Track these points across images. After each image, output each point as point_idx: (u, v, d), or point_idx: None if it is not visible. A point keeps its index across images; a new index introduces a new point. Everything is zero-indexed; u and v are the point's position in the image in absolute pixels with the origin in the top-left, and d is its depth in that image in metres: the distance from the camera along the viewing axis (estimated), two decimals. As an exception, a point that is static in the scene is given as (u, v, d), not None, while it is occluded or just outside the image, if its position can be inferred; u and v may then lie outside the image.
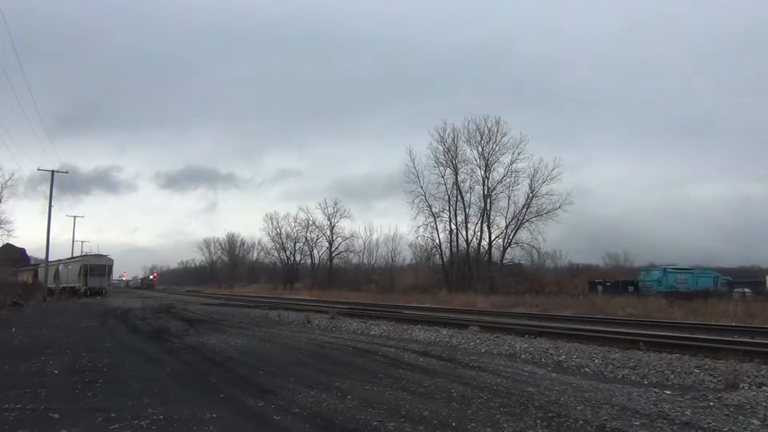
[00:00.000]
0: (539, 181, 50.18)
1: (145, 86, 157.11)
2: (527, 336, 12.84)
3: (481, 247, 53.51)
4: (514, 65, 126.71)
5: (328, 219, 76.72)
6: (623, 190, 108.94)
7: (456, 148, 53.78)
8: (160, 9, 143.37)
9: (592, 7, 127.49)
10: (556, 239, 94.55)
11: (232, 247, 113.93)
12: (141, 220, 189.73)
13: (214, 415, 5.30)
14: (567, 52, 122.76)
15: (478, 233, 53.33)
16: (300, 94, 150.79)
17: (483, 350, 10.88)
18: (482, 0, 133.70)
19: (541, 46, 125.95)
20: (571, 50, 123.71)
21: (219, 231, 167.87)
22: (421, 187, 54.67)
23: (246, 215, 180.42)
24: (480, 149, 52.98)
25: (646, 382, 7.71)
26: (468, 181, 53.97)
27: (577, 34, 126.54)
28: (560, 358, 9.68)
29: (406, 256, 70.89)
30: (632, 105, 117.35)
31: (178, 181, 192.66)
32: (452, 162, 53.85)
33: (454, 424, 5.02)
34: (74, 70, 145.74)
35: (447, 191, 54.24)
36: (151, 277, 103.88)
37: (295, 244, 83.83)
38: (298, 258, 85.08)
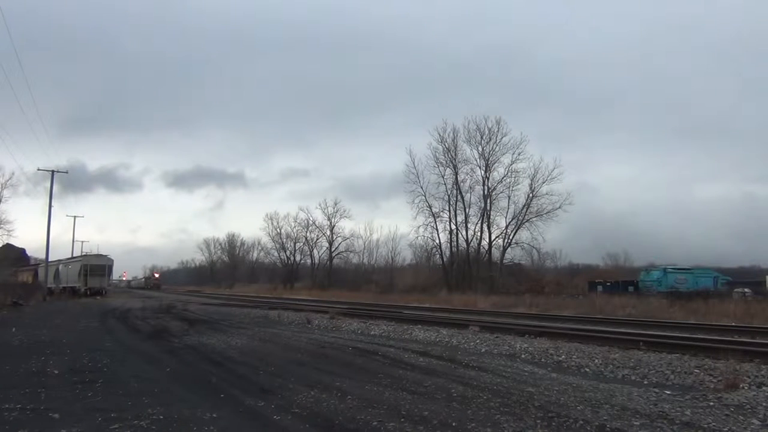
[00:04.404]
0: (539, 181, 50.22)
1: (155, 87, 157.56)
2: (527, 336, 12.83)
3: (481, 247, 53.55)
4: (520, 67, 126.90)
5: (328, 219, 76.73)
6: (627, 190, 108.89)
7: (456, 148, 53.84)
8: (170, 10, 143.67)
9: (599, 10, 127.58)
10: (557, 239, 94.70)
11: (233, 247, 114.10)
12: (144, 221, 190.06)
13: (214, 415, 5.30)
14: (574, 54, 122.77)
15: (478, 233, 53.39)
16: (308, 95, 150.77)
17: (483, 350, 10.88)
18: (490, 3, 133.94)
19: (548, 48, 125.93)
20: (578, 52, 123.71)
21: (224, 231, 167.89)
22: (421, 187, 54.69)
23: (252, 215, 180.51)
24: (480, 149, 53.04)
25: (646, 382, 7.71)
26: (468, 181, 54.01)
27: (585, 36, 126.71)
28: (560, 358, 9.68)
29: (406, 256, 70.91)
30: (637, 106, 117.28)
31: (185, 181, 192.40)
32: (452, 162, 53.89)
33: (454, 424, 5.02)
34: (84, 70, 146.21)
35: (447, 191, 54.29)
36: (157, 276, 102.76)
37: (295, 244, 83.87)
38: (298, 258, 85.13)
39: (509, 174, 51.89)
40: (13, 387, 6.68)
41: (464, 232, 54.02)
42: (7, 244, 55.12)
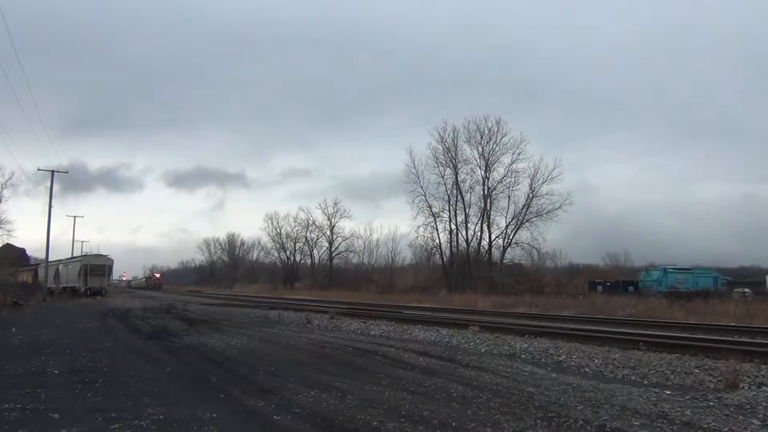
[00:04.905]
0: (539, 181, 50.25)
1: (156, 87, 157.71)
2: (527, 336, 12.83)
3: (481, 247, 53.55)
4: (520, 67, 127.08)
5: (328, 219, 76.81)
6: (627, 190, 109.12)
7: (456, 148, 53.87)
8: (170, 11, 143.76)
9: (599, 10, 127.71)
10: (557, 239, 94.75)
11: (233, 247, 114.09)
12: (145, 221, 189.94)
13: (214, 415, 5.30)
14: (574, 54, 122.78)
15: (478, 233, 53.41)
16: (309, 95, 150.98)
17: (483, 350, 10.88)
18: (490, 3, 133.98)
19: (548, 48, 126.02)
20: (578, 52, 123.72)
21: (224, 231, 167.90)
22: (421, 187, 54.73)
23: (253, 215, 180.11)
24: (480, 149, 53.07)
25: (646, 382, 7.71)
26: (468, 181, 54.03)
27: (585, 36, 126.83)
28: (560, 358, 9.68)
29: (406, 256, 70.93)
30: (638, 106, 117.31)
31: (185, 181, 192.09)
32: (452, 162, 53.92)
33: (454, 424, 5.02)
34: (85, 70, 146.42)
35: (447, 191, 54.31)
36: (158, 276, 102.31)
37: (295, 244, 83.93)
38: (298, 258, 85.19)
39: (509, 174, 52.02)
40: (13, 387, 6.68)
41: (464, 232, 54.12)
42: (7, 244, 55.12)
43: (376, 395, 6.25)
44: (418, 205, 54.56)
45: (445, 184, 54.14)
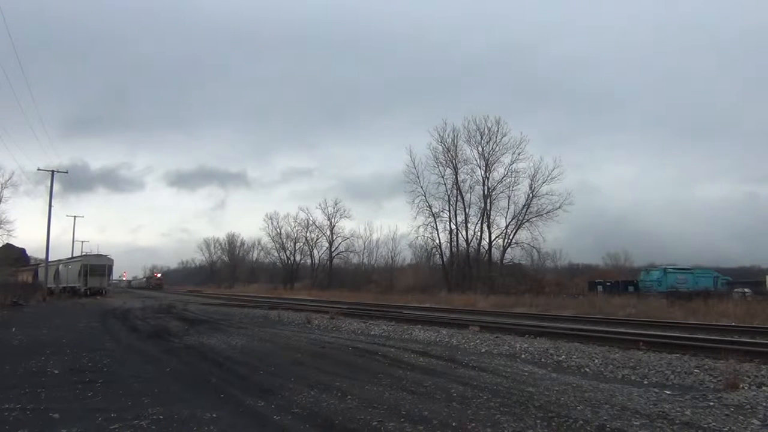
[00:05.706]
0: (539, 181, 50.23)
1: (158, 87, 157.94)
2: (527, 336, 12.83)
3: (481, 247, 53.53)
4: (521, 67, 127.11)
5: (328, 219, 76.84)
6: (627, 190, 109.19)
7: (456, 148, 53.82)
8: (172, 11, 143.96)
9: (601, 10, 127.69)
10: (557, 239, 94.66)
11: (233, 247, 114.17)
12: (145, 220, 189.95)
13: (214, 415, 5.31)
14: (575, 54, 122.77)
15: (478, 233, 53.36)
16: (310, 95, 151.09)
17: (483, 350, 10.88)
18: (491, 3, 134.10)
19: (549, 48, 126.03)
20: (580, 52, 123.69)
21: (225, 231, 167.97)
22: (421, 187, 54.69)
23: (254, 215, 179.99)
24: (480, 149, 53.02)
25: (646, 382, 7.71)
26: (468, 181, 54.00)
27: (586, 36, 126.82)
28: (560, 358, 9.68)
29: (406, 256, 70.83)
30: (639, 106, 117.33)
31: (186, 180, 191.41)
32: (452, 162, 53.85)
33: (454, 424, 5.02)
34: (87, 70, 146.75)
35: (447, 191, 54.26)
36: (159, 276, 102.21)
37: (295, 244, 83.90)
38: (298, 258, 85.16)
39: (509, 174, 51.96)
40: (13, 387, 6.68)
41: (464, 232, 54.08)
42: (7, 244, 55.04)
43: (376, 395, 6.25)
44: (418, 205, 54.60)
45: (445, 184, 54.18)
